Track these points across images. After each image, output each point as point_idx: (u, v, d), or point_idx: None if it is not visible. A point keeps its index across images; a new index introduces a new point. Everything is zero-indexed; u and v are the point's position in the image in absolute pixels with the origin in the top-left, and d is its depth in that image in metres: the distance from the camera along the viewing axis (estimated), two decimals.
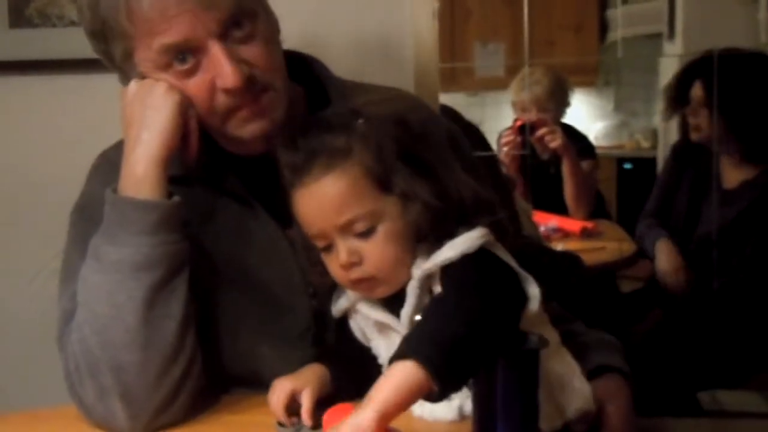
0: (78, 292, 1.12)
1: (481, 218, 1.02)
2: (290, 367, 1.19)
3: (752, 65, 2.68)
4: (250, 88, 1.11)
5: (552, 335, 1.06)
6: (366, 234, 1.02)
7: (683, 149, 2.86)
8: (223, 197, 1.21)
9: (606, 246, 2.63)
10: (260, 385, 1.19)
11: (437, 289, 1.01)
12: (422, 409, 1.05)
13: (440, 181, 1.03)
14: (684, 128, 2.83)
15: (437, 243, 1.01)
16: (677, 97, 2.82)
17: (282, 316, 1.20)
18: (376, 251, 1.02)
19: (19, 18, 1.78)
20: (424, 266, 1.01)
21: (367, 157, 1.01)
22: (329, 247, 1.05)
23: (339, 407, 1.03)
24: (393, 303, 1.06)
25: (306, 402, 1.05)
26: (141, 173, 1.10)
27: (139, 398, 1.09)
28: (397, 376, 0.85)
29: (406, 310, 1.03)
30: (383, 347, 1.10)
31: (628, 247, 2.85)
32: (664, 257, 2.72)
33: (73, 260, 1.18)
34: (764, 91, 2.61)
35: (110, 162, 1.23)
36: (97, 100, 1.70)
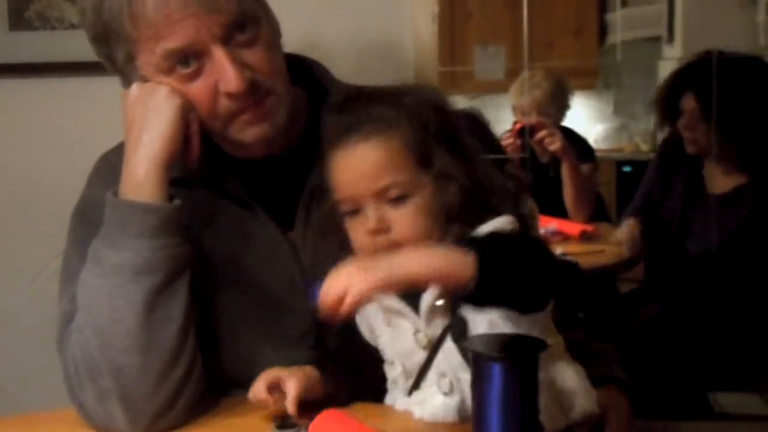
0: (78, 296, 1.12)
1: (507, 208, 1.05)
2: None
3: (746, 69, 2.58)
4: (253, 93, 1.11)
5: (558, 339, 1.07)
6: (398, 201, 1.03)
7: (671, 155, 2.75)
8: (223, 200, 1.21)
9: (605, 249, 2.62)
10: None
11: None
12: (422, 410, 1.05)
13: (475, 167, 1.06)
14: (674, 135, 2.71)
15: (466, 228, 1.03)
16: (667, 109, 2.70)
17: (282, 317, 1.20)
18: (405, 220, 1.03)
19: (18, 21, 1.78)
20: None
21: (411, 131, 1.04)
22: (356, 212, 1.05)
23: (328, 413, 1.02)
24: (410, 292, 1.05)
25: (291, 391, 1.05)
26: (142, 176, 1.10)
27: (139, 401, 1.09)
28: (439, 253, 0.92)
29: (428, 297, 1.02)
30: (389, 341, 1.09)
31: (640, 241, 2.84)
32: (624, 228, 2.69)
33: (73, 263, 1.18)
34: (760, 96, 2.51)
35: (110, 165, 1.23)
36: (97, 103, 1.70)
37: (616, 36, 6.17)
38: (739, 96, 2.50)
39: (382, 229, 1.03)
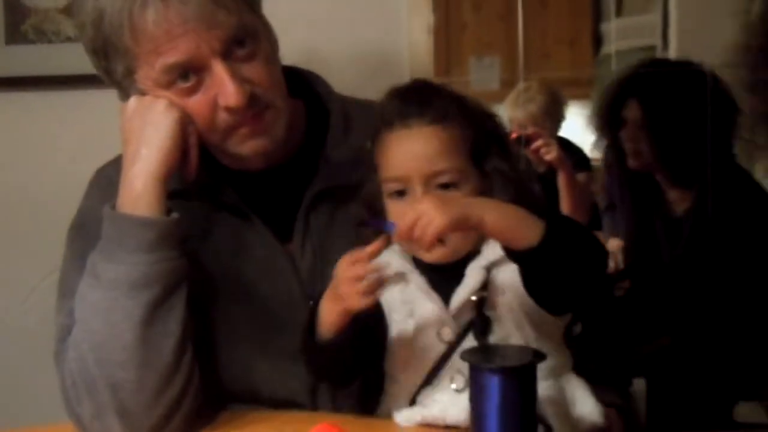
0: (76, 310, 1.12)
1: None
2: (289, 382, 1.19)
3: (685, 79, 2.42)
4: (252, 107, 1.11)
5: (567, 354, 1.08)
6: (446, 187, 1.05)
7: (620, 176, 2.60)
8: (221, 212, 1.21)
9: None
10: (258, 401, 1.19)
11: (500, 274, 1.04)
12: (430, 409, 1.04)
13: (518, 174, 1.10)
14: (617, 153, 2.55)
15: None
16: (609, 120, 2.54)
17: (280, 330, 1.20)
18: None
19: (15, 34, 1.79)
20: (498, 250, 1.02)
21: (468, 126, 1.08)
22: (402, 193, 1.06)
23: (322, 428, 1.01)
24: (441, 284, 1.06)
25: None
26: (139, 190, 1.10)
27: (137, 416, 1.08)
28: (513, 209, 0.96)
29: (463, 292, 1.04)
30: (408, 333, 1.08)
31: (622, 258, 2.84)
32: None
33: (70, 276, 1.18)
34: (689, 108, 2.32)
35: (107, 178, 1.23)
36: (94, 116, 1.71)
37: (611, 46, 6.19)
38: (674, 107, 2.36)
39: None
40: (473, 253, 1.07)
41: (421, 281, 1.08)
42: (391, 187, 1.08)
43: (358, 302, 1.00)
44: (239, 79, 1.10)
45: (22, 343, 1.81)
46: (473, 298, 1.03)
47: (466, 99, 1.12)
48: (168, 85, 1.10)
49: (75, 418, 1.12)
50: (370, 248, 1.01)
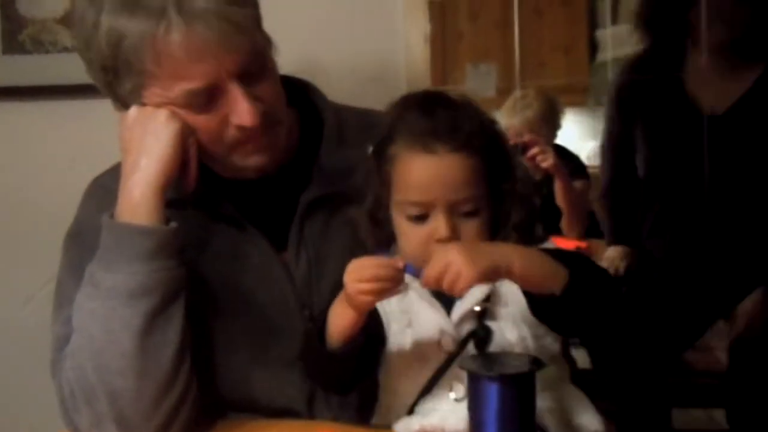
0: (74, 318, 1.12)
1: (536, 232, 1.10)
2: (286, 391, 1.19)
3: None
4: (262, 124, 1.12)
5: (565, 365, 1.09)
6: (469, 214, 1.05)
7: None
8: (216, 221, 1.21)
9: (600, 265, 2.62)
10: (255, 409, 1.19)
11: (503, 286, 1.04)
12: (429, 418, 1.04)
13: (523, 188, 1.11)
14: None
15: None
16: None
17: (277, 340, 1.20)
18: (473, 233, 1.05)
19: (12, 44, 1.79)
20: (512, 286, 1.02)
21: (489, 151, 1.07)
22: (423, 218, 1.05)
23: None
24: (441, 293, 1.05)
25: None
26: (138, 199, 1.10)
27: (135, 425, 1.08)
28: (538, 257, 0.97)
29: (467, 302, 1.04)
30: (407, 342, 1.08)
31: (620, 265, 2.84)
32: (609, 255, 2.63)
33: (67, 286, 1.17)
34: None
35: (104, 188, 1.23)
36: (91, 126, 1.71)
37: (607, 53, 6.21)
38: None
39: (452, 238, 1.04)
40: None
41: (422, 290, 1.07)
42: (409, 210, 1.06)
43: (360, 299, 1.00)
44: (253, 99, 1.10)
45: (20, 351, 1.80)
46: (476, 308, 1.03)
47: (484, 116, 1.11)
48: (182, 106, 1.11)
49: (73, 427, 1.12)
50: (380, 262, 1.00)
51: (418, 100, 1.10)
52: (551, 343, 1.06)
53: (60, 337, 1.15)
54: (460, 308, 1.05)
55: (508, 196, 1.09)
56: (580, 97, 6.62)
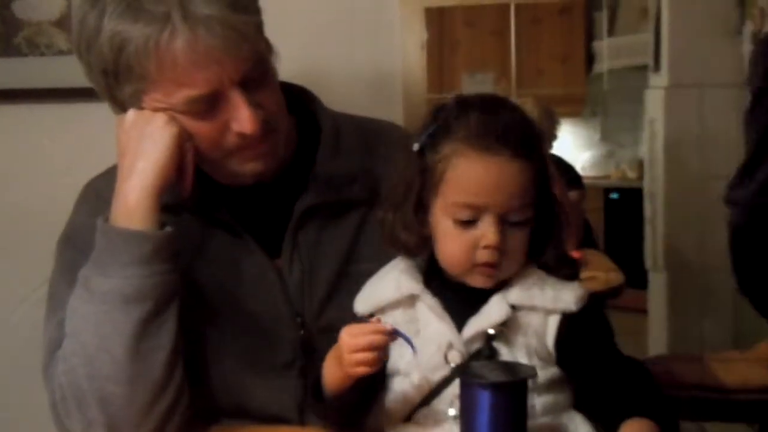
0: (66, 323, 1.11)
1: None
2: (277, 398, 1.19)
3: None
4: (261, 131, 1.12)
5: (569, 391, 1.06)
6: (518, 225, 1.04)
7: None
8: (211, 226, 1.21)
9: (596, 276, 2.63)
10: (247, 416, 1.19)
11: (525, 317, 1.04)
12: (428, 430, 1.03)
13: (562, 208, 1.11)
14: None
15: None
16: None
17: (269, 346, 1.19)
18: (518, 244, 1.04)
19: (7, 47, 1.78)
20: (545, 304, 1.04)
21: (541, 161, 1.06)
22: (471, 222, 1.03)
23: None
24: (453, 307, 1.05)
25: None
26: (133, 203, 1.10)
27: (126, 430, 1.08)
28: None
29: (483, 321, 1.02)
30: (402, 351, 1.06)
31: (615, 277, 2.85)
32: None
33: (59, 289, 1.17)
34: None
35: (97, 191, 1.23)
36: (86, 129, 1.70)
37: (603, 64, 6.24)
38: None
39: (499, 247, 1.02)
40: (500, 282, 1.06)
41: (433, 303, 1.05)
42: (460, 213, 1.03)
43: (356, 371, 0.98)
44: (255, 107, 1.10)
45: (12, 354, 1.79)
46: (491, 331, 1.01)
47: (537, 127, 1.10)
48: (182, 112, 1.10)
49: None
50: (372, 329, 0.99)
51: (479, 99, 1.08)
52: (556, 373, 1.05)
53: (52, 340, 1.14)
54: (473, 326, 1.03)
55: (551, 211, 1.08)
56: (576, 108, 6.64)
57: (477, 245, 1.03)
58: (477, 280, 1.04)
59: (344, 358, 0.98)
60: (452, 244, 1.04)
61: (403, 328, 1.04)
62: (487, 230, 1.02)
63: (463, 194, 1.03)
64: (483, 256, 1.02)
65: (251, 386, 1.19)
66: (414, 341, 1.02)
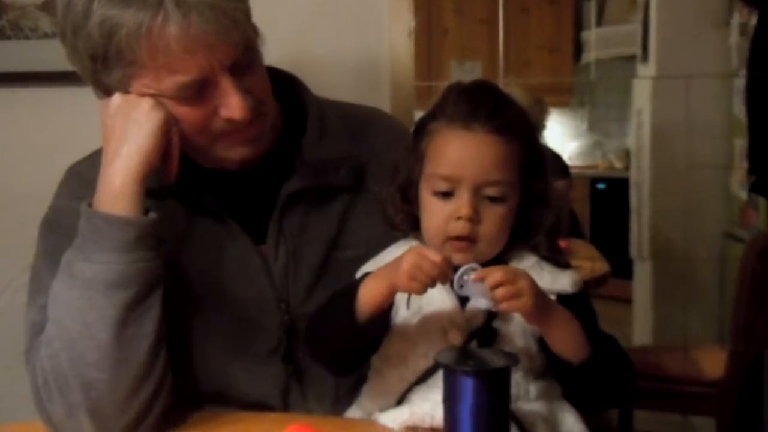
0: (49, 308, 1.11)
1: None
2: (261, 384, 1.19)
3: None
4: (250, 116, 1.11)
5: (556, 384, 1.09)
6: (494, 200, 1.06)
7: None
8: (197, 213, 1.21)
9: (582, 265, 2.64)
10: (231, 402, 1.19)
11: None
12: (423, 407, 1.04)
13: (555, 199, 1.12)
14: None
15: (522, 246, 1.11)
16: None
17: (253, 332, 1.19)
18: (494, 219, 1.06)
19: None
20: (542, 285, 1.04)
21: (527, 143, 1.09)
22: (448, 195, 1.06)
23: (295, 428, 1.00)
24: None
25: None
26: (118, 188, 1.09)
27: (109, 416, 1.07)
28: (577, 328, 1.02)
29: (482, 302, 1.03)
30: (404, 324, 1.08)
31: (600, 266, 2.87)
32: None
33: (42, 273, 1.16)
34: None
35: (79, 175, 1.22)
36: (71, 113, 1.69)
37: (591, 54, 6.25)
38: None
39: (472, 219, 1.05)
40: (499, 262, 1.07)
41: None
42: (437, 184, 1.07)
43: (407, 284, 0.99)
44: (244, 92, 1.10)
45: None
46: (493, 309, 1.02)
47: (528, 117, 1.13)
48: (171, 97, 1.09)
49: (46, 417, 1.11)
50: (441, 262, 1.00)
51: (467, 85, 1.11)
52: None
53: (35, 324, 1.14)
54: (475, 304, 1.04)
55: (539, 197, 1.10)
56: (563, 97, 6.65)
57: (453, 218, 1.05)
58: (453, 256, 1.05)
59: (405, 268, 0.99)
60: (431, 216, 1.08)
61: (406, 302, 1.08)
62: (461, 203, 1.05)
63: (439, 166, 1.07)
64: (456, 228, 1.05)
65: (235, 372, 1.18)
66: (413, 319, 1.07)
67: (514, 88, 3.30)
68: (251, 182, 1.22)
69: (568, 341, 1.02)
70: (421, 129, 1.11)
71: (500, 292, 0.97)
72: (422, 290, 1.00)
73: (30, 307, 1.17)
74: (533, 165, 1.10)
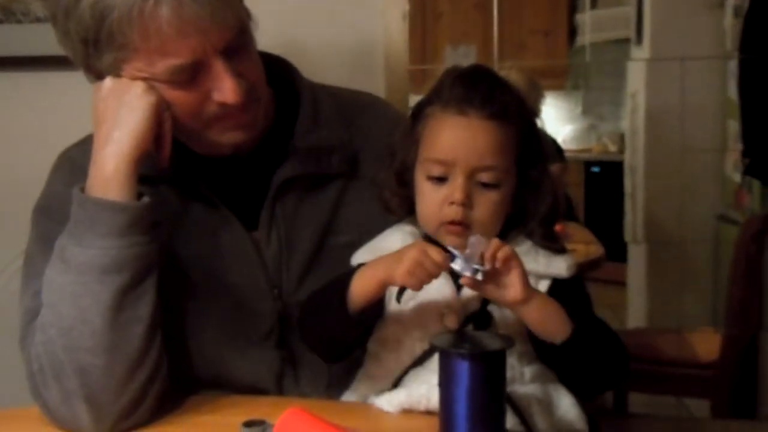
0: (43, 294, 1.10)
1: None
2: (255, 369, 1.19)
3: None
4: (243, 100, 1.11)
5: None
6: (488, 186, 1.06)
7: None
8: (189, 199, 1.20)
9: (576, 249, 2.64)
10: (225, 386, 1.19)
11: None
12: (411, 393, 1.04)
13: (552, 186, 1.12)
14: None
15: (517, 233, 1.11)
16: None
17: (247, 318, 1.19)
18: (487, 205, 1.06)
19: None
20: (537, 269, 1.07)
21: (523, 130, 1.09)
22: (442, 179, 1.06)
23: (293, 412, 1.00)
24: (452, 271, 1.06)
25: None
26: (110, 173, 1.09)
27: (104, 401, 1.07)
28: (557, 308, 1.01)
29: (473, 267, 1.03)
30: (400, 309, 1.08)
31: (595, 249, 2.87)
32: None
33: (36, 259, 1.16)
34: None
35: (72, 160, 1.22)
36: (63, 98, 1.68)
37: (585, 37, 6.24)
38: None
39: (465, 203, 1.05)
40: None
41: None
42: (431, 169, 1.07)
43: (405, 278, 1.00)
44: (237, 76, 1.09)
45: None
46: (481, 269, 1.01)
47: (526, 104, 1.12)
48: (164, 80, 1.09)
49: (41, 403, 1.10)
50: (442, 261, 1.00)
51: (464, 69, 1.11)
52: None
53: (29, 310, 1.14)
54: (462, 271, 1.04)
55: (536, 184, 1.10)
56: (558, 81, 6.63)
57: (446, 202, 1.06)
58: (447, 240, 1.06)
59: (406, 263, 0.99)
60: (425, 201, 1.08)
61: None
62: (454, 187, 1.05)
63: (434, 150, 1.07)
64: (449, 213, 1.06)
65: (229, 357, 1.19)
66: (409, 303, 1.07)
67: (513, 73, 3.30)
68: (244, 168, 1.21)
69: (547, 321, 1.01)
70: (418, 113, 1.11)
71: (493, 265, 0.97)
72: (419, 287, 1.00)
73: (24, 294, 1.17)
74: (530, 152, 1.10)
